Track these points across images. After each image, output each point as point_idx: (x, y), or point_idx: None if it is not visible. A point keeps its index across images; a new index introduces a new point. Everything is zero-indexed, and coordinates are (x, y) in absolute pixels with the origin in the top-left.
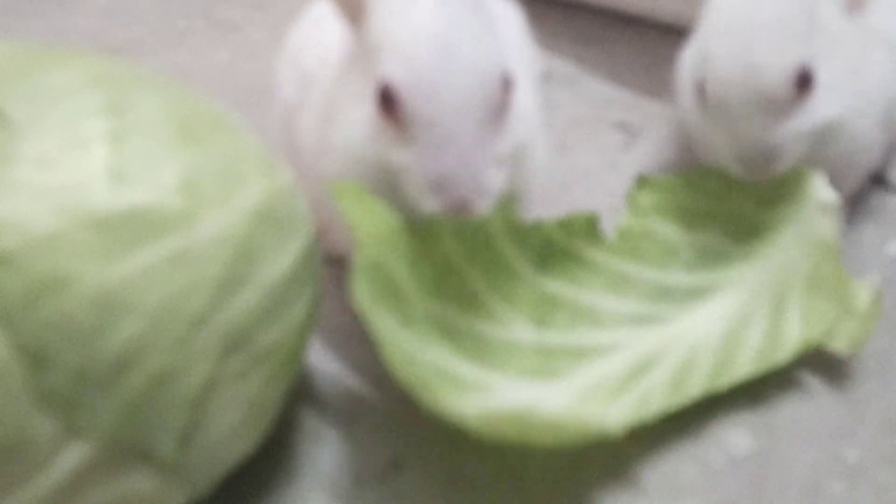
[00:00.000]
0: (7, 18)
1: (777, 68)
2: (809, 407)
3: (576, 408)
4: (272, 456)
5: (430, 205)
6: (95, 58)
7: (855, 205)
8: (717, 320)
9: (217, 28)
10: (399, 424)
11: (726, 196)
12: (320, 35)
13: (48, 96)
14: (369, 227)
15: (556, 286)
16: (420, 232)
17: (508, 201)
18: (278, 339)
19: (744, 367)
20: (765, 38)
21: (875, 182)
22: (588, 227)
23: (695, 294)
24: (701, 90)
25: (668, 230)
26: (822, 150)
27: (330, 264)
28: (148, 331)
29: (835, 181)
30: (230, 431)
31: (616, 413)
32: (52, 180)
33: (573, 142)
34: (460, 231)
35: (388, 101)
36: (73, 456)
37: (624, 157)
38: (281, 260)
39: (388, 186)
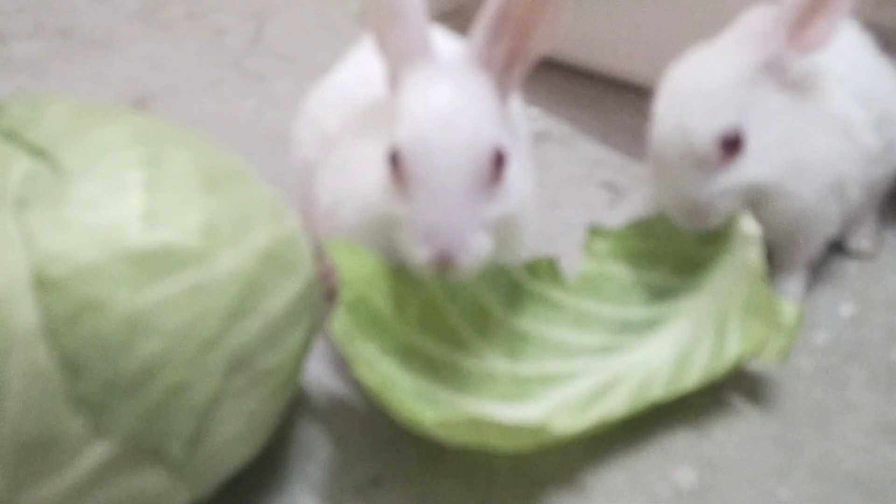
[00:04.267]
0: (54, 60)
1: (704, 131)
2: (751, 449)
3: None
4: (268, 465)
5: (420, 254)
6: (137, 116)
7: (815, 269)
8: (670, 345)
9: (246, 78)
10: (381, 444)
11: (670, 238)
12: (340, 103)
13: (97, 149)
14: (356, 269)
15: (525, 323)
16: (406, 276)
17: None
18: (277, 363)
19: (691, 379)
20: (697, 104)
21: (835, 249)
22: (549, 270)
23: (651, 324)
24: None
25: (622, 272)
26: (762, 209)
27: (331, 301)
28: (167, 349)
29: (788, 245)
30: (231, 440)
31: (579, 424)
32: (96, 220)
33: (564, 198)
34: None
35: (395, 162)
36: (97, 452)
37: (608, 213)
38: (282, 294)
39: (391, 238)
